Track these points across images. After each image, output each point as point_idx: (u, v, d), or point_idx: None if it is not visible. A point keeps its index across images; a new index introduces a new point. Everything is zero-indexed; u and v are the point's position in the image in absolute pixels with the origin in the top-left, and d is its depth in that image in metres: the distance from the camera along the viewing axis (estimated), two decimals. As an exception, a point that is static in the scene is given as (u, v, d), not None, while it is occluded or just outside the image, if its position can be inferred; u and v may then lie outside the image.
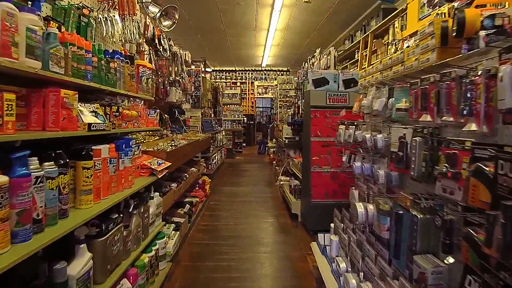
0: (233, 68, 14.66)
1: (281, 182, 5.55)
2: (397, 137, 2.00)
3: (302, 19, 7.34)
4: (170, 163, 2.83)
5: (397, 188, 2.15)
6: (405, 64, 2.07)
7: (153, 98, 2.86)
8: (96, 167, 1.69)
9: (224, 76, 14.82)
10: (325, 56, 4.73)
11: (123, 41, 2.61)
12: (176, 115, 4.87)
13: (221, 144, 8.66)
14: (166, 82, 4.15)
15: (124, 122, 2.05)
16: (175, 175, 4.05)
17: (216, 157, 7.84)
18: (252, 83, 15.01)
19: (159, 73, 4.02)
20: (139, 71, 2.51)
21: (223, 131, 9.49)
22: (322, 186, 3.98)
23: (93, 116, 1.73)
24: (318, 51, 5.34)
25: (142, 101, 2.50)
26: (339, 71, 4.12)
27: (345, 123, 2.89)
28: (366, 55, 6.57)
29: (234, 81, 14.83)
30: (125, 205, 2.18)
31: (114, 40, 2.56)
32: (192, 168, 4.51)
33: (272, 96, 14.06)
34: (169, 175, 3.85)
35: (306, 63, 6.06)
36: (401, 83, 2.05)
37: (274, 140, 11.50)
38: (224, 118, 12.27)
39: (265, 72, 14.86)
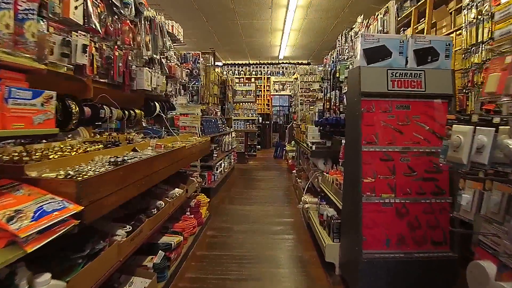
0: (247, 62, 13.14)
1: (306, 205, 3.97)
2: None
3: (330, -10, 5.74)
4: (83, 207, 1.33)
5: None
6: None
7: (43, 66, 1.36)
8: None
9: (237, 71, 13.33)
10: (380, 16, 3.11)
11: None
12: (157, 111, 3.40)
13: (229, 148, 7.16)
14: (131, 58, 2.67)
15: None
16: (144, 204, 2.57)
17: (223, 165, 6.34)
18: (268, 78, 13.45)
19: (118, 42, 2.55)
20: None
21: (233, 132, 7.99)
22: (380, 227, 2.38)
23: None
24: (360, 18, 3.71)
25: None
26: (409, 36, 2.50)
27: (473, 119, 1.28)
28: (422, 30, 4.88)
29: (248, 76, 13.31)
30: None
31: None
32: (175, 190, 3.01)
33: (291, 93, 12.47)
34: (127, 208, 2.37)
35: (339, 42, 4.44)
36: None
37: (293, 142, 9.91)
38: (236, 117, 10.82)
39: (282, 66, 13.25)
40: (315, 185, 4.08)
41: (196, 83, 5.04)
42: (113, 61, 2.46)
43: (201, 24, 7.80)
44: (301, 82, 7.50)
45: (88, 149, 1.91)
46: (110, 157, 1.87)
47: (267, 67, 13.32)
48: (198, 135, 4.95)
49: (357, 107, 2.40)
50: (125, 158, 1.95)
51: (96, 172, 1.56)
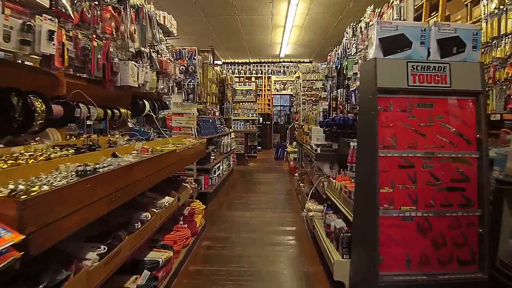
0: (247, 60, 12.81)
1: (310, 214, 3.64)
2: None
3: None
4: (26, 235, 1.01)
5: None
6: None
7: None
8: None
9: (237, 70, 13.00)
10: (396, 3, 2.78)
11: None
12: (146, 110, 3.07)
13: (228, 149, 6.84)
14: (113, 50, 2.35)
15: None
16: (127, 217, 2.25)
17: (221, 167, 6.02)
18: (268, 78, 13.12)
19: (98, 31, 2.23)
20: None
21: (232, 133, 7.68)
22: (400, 245, 2.05)
23: None
24: (370, 8, 3.38)
25: None
26: (431, 24, 2.19)
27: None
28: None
29: (249, 75, 12.97)
30: None
31: None
32: (165, 199, 2.69)
33: (292, 93, 12.16)
34: (106, 222, 2.05)
35: (347, 35, 4.12)
36: None
37: (294, 143, 9.59)
38: (235, 117, 10.51)
39: (283, 65, 12.92)
40: (320, 191, 3.76)
41: (192, 81, 4.72)
42: (91, 53, 2.14)
43: (198, 20, 7.49)
44: (303, 80, 7.19)
45: (52, 156, 1.58)
46: (79, 165, 1.55)
47: (268, 66, 13.00)
48: (194, 137, 4.64)
49: (373, 106, 2.07)
50: (98, 166, 1.63)
51: (53, 186, 1.24)
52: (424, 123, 2.11)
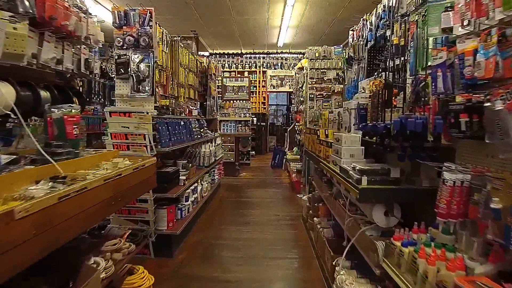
0: (239, 51, 11.08)
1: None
2: None
3: None
4: None
5: None
6: None
7: None
8: None
9: (227, 64, 11.26)
10: None
11: None
12: (5, 106, 1.36)
13: (212, 160, 5.11)
14: None
15: None
16: None
17: (199, 188, 4.27)
18: (264, 72, 11.40)
19: None
20: None
21: (218, 138, 5.94)
22: None
23: None
24: None
25: None
26: None
27: None
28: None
29: (241, 70, 11.25)
30: None
31: None
32: None
33: (291, 89, 10.48)
34: None
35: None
36: None
37: (295, 149, 7.92)
38: (224, 118, 8.82)
39: (281, 57, 11.22)
40: (365, 255, 2.06)
41: (146, 60, 2.99)
42: None
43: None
44: (311, 69, 5.48)
45: None
46: None
47: (263, 58, 11.27)
48: (148, 150, 2.92)
49: None
50: None
51: None
52: None
